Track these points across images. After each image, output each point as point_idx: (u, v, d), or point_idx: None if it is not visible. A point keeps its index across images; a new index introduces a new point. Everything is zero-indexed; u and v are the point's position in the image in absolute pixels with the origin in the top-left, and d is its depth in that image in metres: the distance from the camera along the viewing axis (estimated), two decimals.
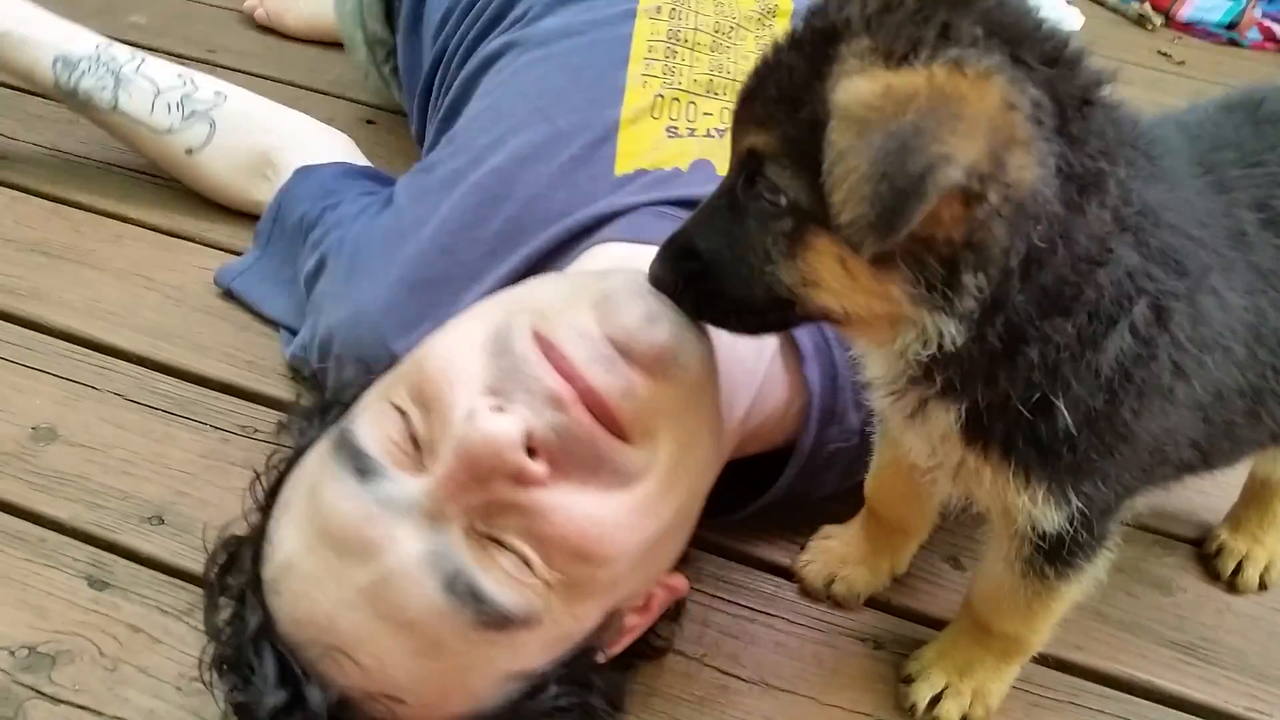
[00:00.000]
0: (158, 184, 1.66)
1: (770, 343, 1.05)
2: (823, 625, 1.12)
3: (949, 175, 0.60)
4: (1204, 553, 1.24)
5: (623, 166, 1.18)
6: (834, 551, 1.13)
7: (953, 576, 1.16)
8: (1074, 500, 0.79)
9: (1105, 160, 0.67)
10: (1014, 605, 0.94)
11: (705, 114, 1.22)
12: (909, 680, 1.04)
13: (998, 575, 0.93)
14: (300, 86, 1.98)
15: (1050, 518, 0.81)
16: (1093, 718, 1.06)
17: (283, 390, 1.30)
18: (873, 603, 1.14)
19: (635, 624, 0.95)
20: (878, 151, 0.60)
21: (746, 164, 0.72)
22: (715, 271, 0.76)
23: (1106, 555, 0.90)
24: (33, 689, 0.97)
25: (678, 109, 1.22)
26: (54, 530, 1.12)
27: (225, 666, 0.85)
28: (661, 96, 1.23)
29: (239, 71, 2.00)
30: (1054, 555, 0.87)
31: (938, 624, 1.10)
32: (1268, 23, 2.66)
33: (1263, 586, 1.20)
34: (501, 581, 0.81)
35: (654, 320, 0.84)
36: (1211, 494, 1.26)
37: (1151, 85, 2.46)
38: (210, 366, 1.34)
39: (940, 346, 0.70)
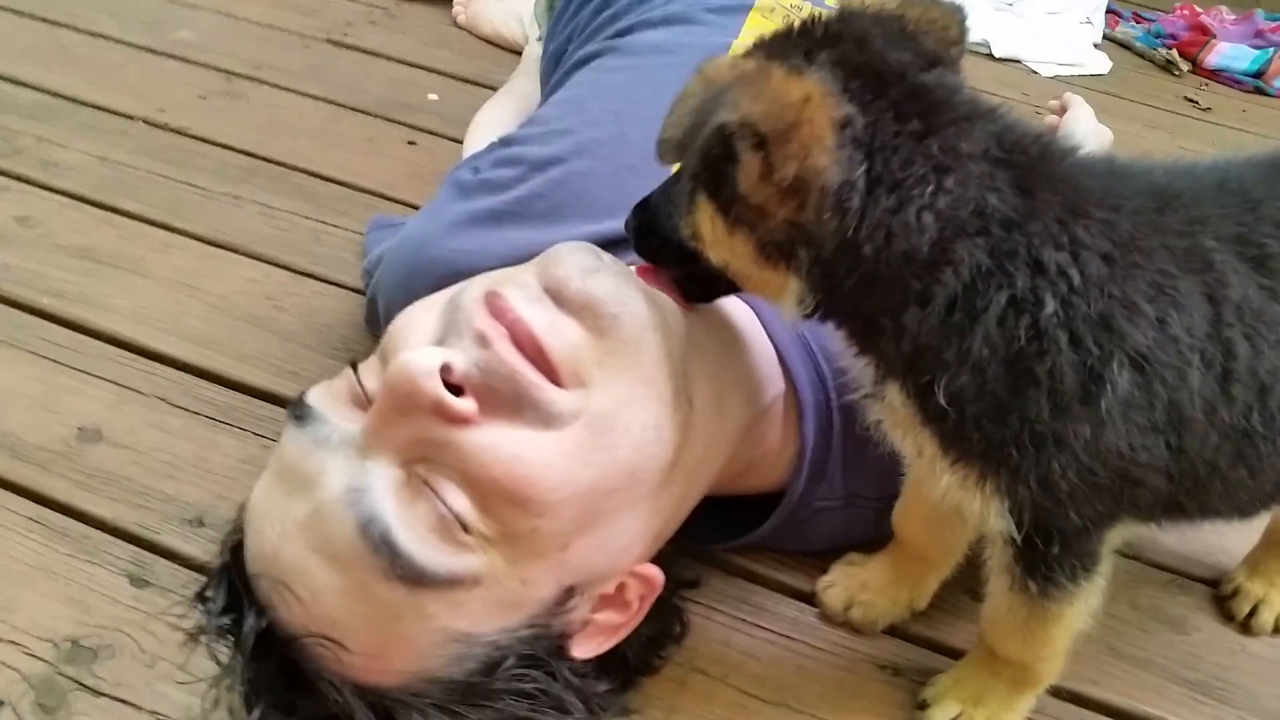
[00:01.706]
0: (204, 195, 1.71)
1: (776, 382, 1.08)
2: (843, 651, 1.14)
3: (720, 115, 0.77)
4: (1220, 594, 1.26)
5: None
6: (856, 577, 1.16)
7: (972, 609, 1.17)
8: (1004, 498, 0.85)
9: (931, 172, 0.78)
10: (1011, 625, 0.97)
11: None
12: (924, 706, 1.06)
13: (995, 594, 0.97)
14: (343, 105, 2.04)
15: (981, 508, 0.87)
16: None
17: None
18: (893, 631, 1.16)
19: (612, 622, 0.95)
20: (704, 99, 0.80)
21: None
22: (653, 216, 0.91)
23: (1096, 582, 0.94)
24: (76, 681, 1.00)
25: None
26: (97, 528, 1.16)
27: (196, 597, 0.92)
28: None
29: (283, 89, 2.06)
30: (1033, 568, 0.91)
31: (956, 654, 1.12)
32: None
33: (1277, 630, 1.22)
34: (422, 537, 0.83)
35: (588, 273, 0.91)
36: (1229, 536, 1.28)
37: (1177, 130, 2.50)
38: (253, 375, 1.38)
39: (805, 307, 0.84)
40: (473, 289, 0.92)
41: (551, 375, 0.87)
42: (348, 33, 2.31)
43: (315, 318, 1.48)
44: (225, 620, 0.87)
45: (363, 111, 2.03)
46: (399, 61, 2.23)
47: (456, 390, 0.84)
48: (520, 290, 0.90)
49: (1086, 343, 0.79)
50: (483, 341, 0.86)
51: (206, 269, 1.56)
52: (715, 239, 0.84)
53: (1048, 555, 0.89)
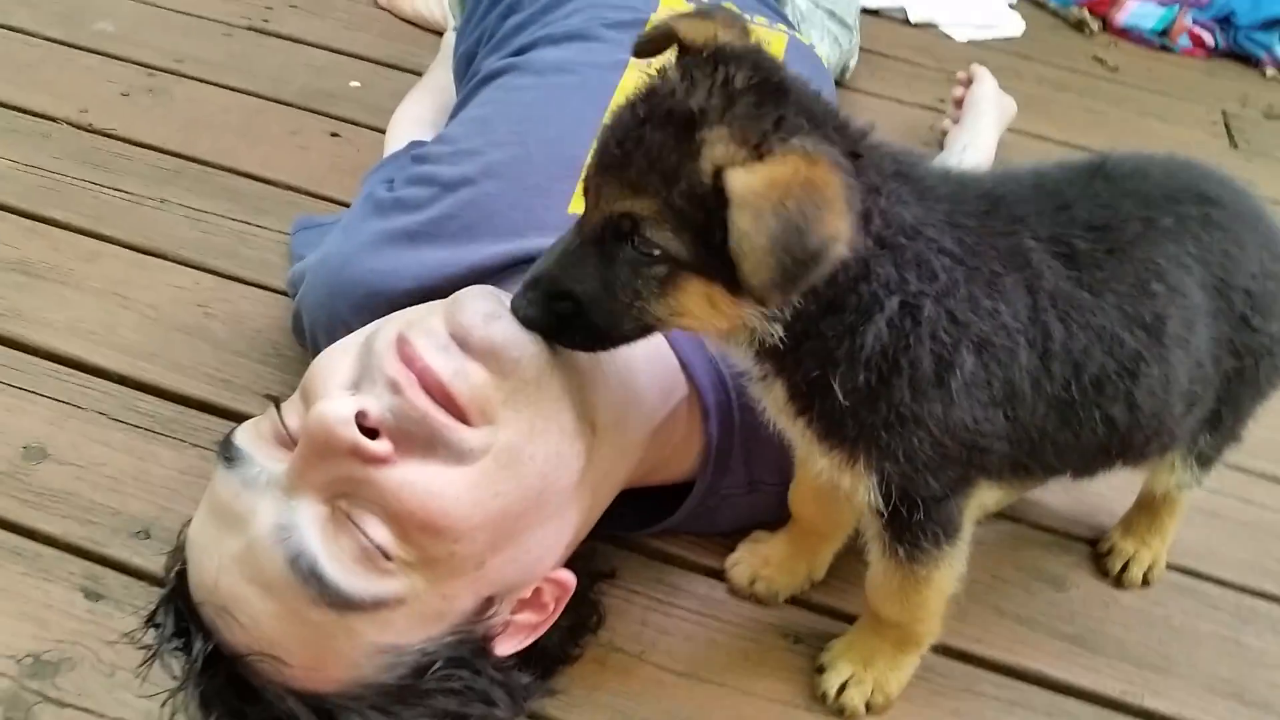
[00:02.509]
0: (131, 200, 1.75)
1: (679, 389, 1.17)
2: (750, 622, 1.25)
3: (840, 250, 0.80)
4: (1097, 552, 1.38)
5: (576, 206, 1.27)
6: (759, 554, 1.26)
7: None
8: (872, 474, 0.95)
9: (872, 196, 0.86)
10: (888, 590, 1.08)
11: None
12: (822, 670, 1.17)
13: (873, 562, 1.08)
14: (265, 98, 2.06)
15: (851, 484, 0.97)
16: (986, 704, 1.20)
17: (257, 408, 1.38)
18: (795, 600, 1.27)
19: (530, 622, 1.04)
20: (773, 232, 0.78)
21: (618, 223, 0.87)
22: (587, 310, 0.91)
23: (959, 548, 1.05)
24: (39, 694, 1.08)
25: None
26: (49, 545, 1.22)
27: (147, 622, 1.00)
28: None
29: (205, 81, 2.08)
30: (900, 535, 1.02)
31: (852, 619, 1.23)
32: (1197, 30, 2.80)
33: (1146, 583, 1.35)
34: (347, 567, 0.92)
35: (490, 319, 0.97)
36: (1111, 498, 1.40)
37: (1085, 92, 2.59)
38: (188, 385, 1.43)
39: (764, 344, 0.90)
40: (385, 333, 0.99)
41: (460, 416, 0.95)
42: (269, 18, 2.31)
43: (245, 323, 1.54)
44: (176, 643, 0.96)
45: (285, 103, 2.05)
46: (320, 47, 2.24)
47: (372, 433, 0.92)
48: (429, 338, 0.97)
49: (940, 334, 0.91)
50: (395, 388, 0.94)
51: (136, 277, 1.60)
52: (707, 313, 0.88)
53: (912, 523, 1.00)
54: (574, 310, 0.91)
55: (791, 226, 0.77)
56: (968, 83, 2.15)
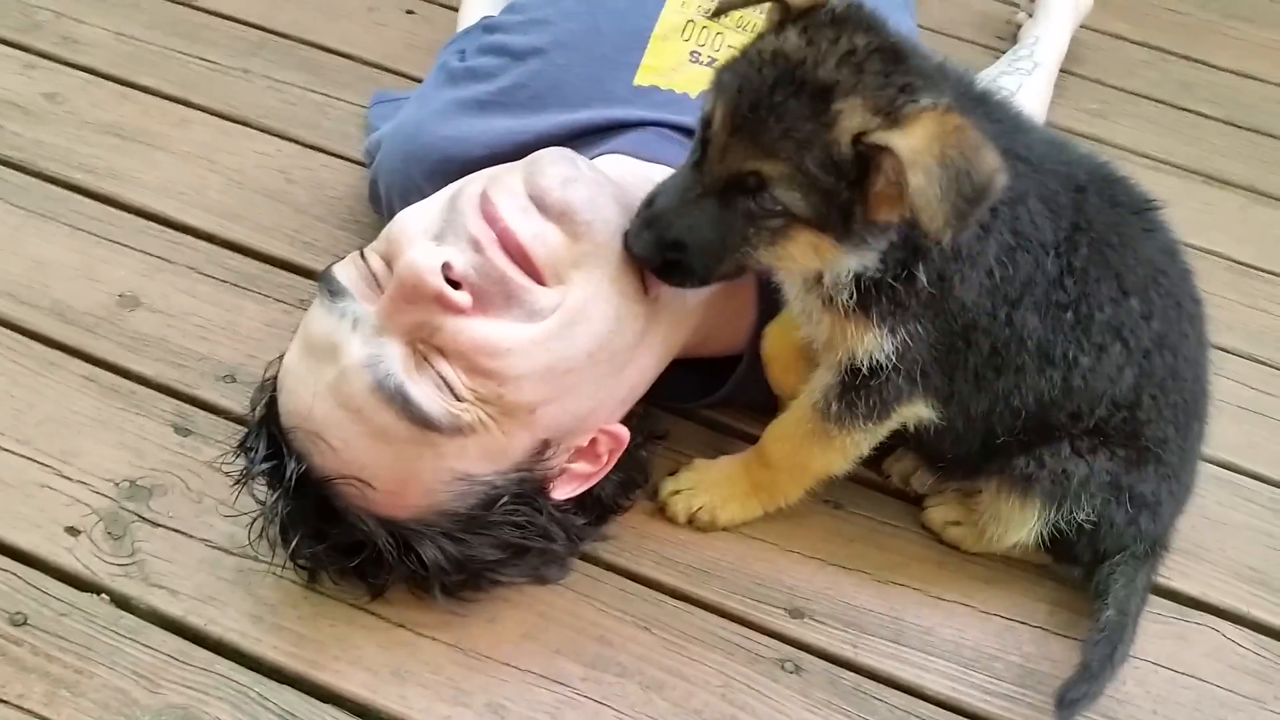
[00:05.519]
0: (216, 70, 1.81)
1: None
2: None
3: (1002, 179, 0.91)
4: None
5: (642, 78, 1.31)
6: None
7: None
8: (900, 333, 1.05)
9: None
10: (793, 432, 1.17)
11: (730, 47, 1.34)
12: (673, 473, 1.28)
13: (797, 408, 1.16)
14: None
15: (867, 346, 1.05)
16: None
17: None
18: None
19: (585, 470, 1.12)
20: (943, 181, 0.88)
21: (744, 180, 0.95)
22: (693, 256, 1.00)
23: (874, 433, 1.15)
24: (135, 514, 1.18)
25: (706, 36, 1.35)
26: (143, 385, 1.32)
27: (240, 447, 1.09)
28: (693, 21, 1.35)
29: None
30: (843, 394, 1.10)
31: (885, 491, 1.31)
32: None
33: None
34: (427, 392, 1.00)
35: (568, 183, 1.04)
36: None
37: None
38: (271, 245, 1.52)
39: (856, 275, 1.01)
40: (469, 190, 1.05)
41: (536, 276, 1.02)
42: None
43: (325, 190, 1.61)
44: (267, 466, 1.05)
45: None
46: None
47: (454, 285, 0.99)
48: (510, 197, 1.03)
49: (1004, 232, 1.03)
50: (476, 246, 1.01)
51: (222, 143, 1.67)
52: (809, 258, 0.98)
53: (864, 387, 1.09)
54: (681, 256, 1.00)
55: (961, 173, 0.88)
56: None
